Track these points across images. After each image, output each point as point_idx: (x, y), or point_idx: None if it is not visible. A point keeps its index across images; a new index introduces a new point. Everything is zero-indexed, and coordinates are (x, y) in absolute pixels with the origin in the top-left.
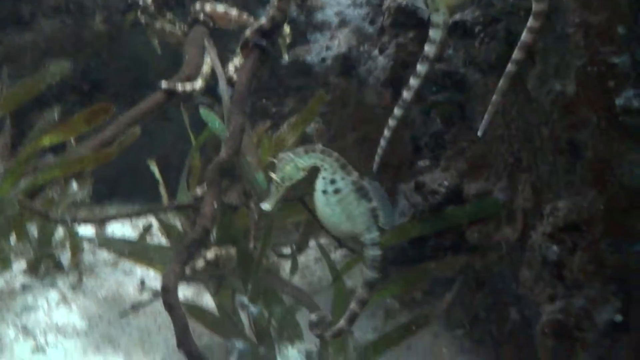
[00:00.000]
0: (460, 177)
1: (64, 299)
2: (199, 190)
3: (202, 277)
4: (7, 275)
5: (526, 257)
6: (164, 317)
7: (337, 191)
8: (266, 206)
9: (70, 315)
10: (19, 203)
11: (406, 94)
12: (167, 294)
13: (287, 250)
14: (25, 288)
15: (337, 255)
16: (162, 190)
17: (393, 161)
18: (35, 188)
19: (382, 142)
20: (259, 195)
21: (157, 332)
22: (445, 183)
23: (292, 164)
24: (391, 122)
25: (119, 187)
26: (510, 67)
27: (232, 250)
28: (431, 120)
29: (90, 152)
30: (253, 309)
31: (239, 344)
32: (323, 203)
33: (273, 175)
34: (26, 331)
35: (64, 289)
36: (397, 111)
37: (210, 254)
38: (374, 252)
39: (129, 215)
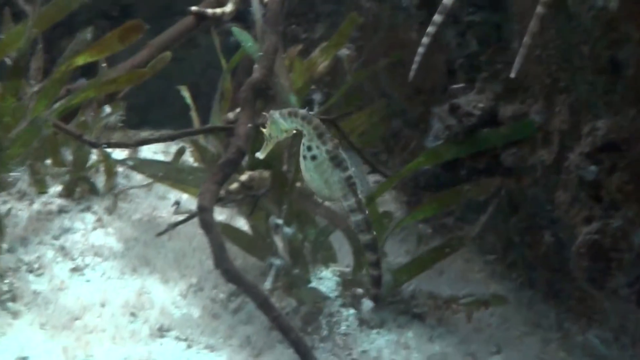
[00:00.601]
0: (495, 100)
1: (100, 222)
2: (230, 114)
3: (236, 199)
4: (44, 198)
5: (562, 180)
6: (198, 240)
7: (313, 157)
8: (259, 156)
9: (107, 238)
10: (54, 125)
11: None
12: (203, 213)
13: None
14: (61, 211)
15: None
16: (194, 115)
17: (426, 85)
18: (69, 111)
19: (421, 49)
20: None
21: (192, 254)
22: (481, 105)
23: (275, 125)
24: (430, 29)
25: (148, 115)
26: (539, 8)
27: (266, 173)
28: (466, 42)
29: (124, 73)
30: (287, 230)
31: (277, 261)
32: (304, 167)
33: (263, 130)
34: (64, 252)
35: (99, 212)
36: (437, 17)
37: (244, 176)
38: (355, 217)
39: (162, 139)
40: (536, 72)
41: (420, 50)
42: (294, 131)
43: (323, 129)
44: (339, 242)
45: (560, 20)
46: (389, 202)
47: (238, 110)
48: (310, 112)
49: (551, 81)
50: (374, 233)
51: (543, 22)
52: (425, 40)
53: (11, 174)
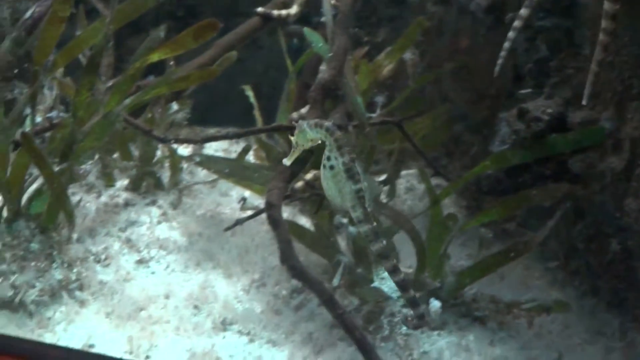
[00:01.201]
0: (564, 105)
1: (165, 216)
2: (295, 114)
3: (301, 198)
4: (112, 191)
5: (632, 187)
6: (261, 236)
7: (331, 167)
8: (286, 162)
9: (171, 232)
10: (124, 120)
11: None
12: (272, 209)
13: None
14: (128, 204)
15: (421, 187)
16: (257, 114)
17: (490, 90)
18: (139, 106)
19: (506, 44)
20: (360, 119)
21: (255, 250)
22: (549, 110)
23: (302, 134)
24: (517, 23)
25: (211, 114)
26: (602, 36)
27: None
28: (535, 47)
29: (196, 70)
30: (351, 229)
31: (345, 258)
32: (323, 175)
33: (291, 137)
34: (130, 244)
35: (164, 207)
36: (523, 11)
37: (309, 175)
38: (362, 228)
39: (229, 136)
40: (608, 79)
41: (503, 54)
42: (319, 141)
43: (343, 142)
44: (402, 242)
45: (636, 26)
46: (448, 206)
47: (303, 110)
48: (333, 125)
49: (623, 88)
50: (384, 242)
51: (611, 36)
52: (506, 45)
53: (82, 166)
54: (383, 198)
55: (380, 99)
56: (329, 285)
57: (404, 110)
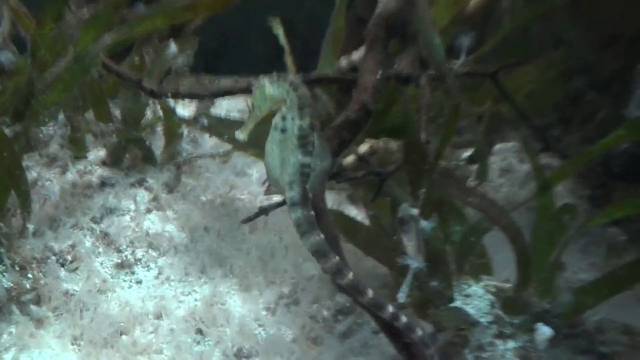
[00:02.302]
0: None
1: (156, 202)
2: (344, 61)
3: (352, 178)
4: (82, 165)
5: None
6: (293, 233)
7: (283, 130)
8: (239, 136)
9: (165, 224)
10: (102, 65)
11: None
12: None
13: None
14: (105, 184)
15: (523, 168)
16: (289, 60)
17: (625, 31)
18: (123, 46)
19: None
20: (438, 67)
21: (284, 252)
22: None
23: (260, 91)
24: None
25: (223, 58)
26: None
27: (394, 144)
28: None
29: None
30: (425, 224)
31: (415, 262)
32: (269, 139)
33: (247, 100)
34: (107, 241)
35: (155, 189)
36: None
37: (364, 147)
38: (294, 214)
39: (250, 89)
40: None
41: None
42: (281, 105)
43: (308, 102)
44: (496, 245)
45: None
46: (563, 195)
47: (356, 54)
48: (300, 80)
49: None
50: (321, 235)
51: None
52: None
53: (42, 128)
54: (470, 181)
55: (466, 41)
56: (391, 303)
57: (500, 57)
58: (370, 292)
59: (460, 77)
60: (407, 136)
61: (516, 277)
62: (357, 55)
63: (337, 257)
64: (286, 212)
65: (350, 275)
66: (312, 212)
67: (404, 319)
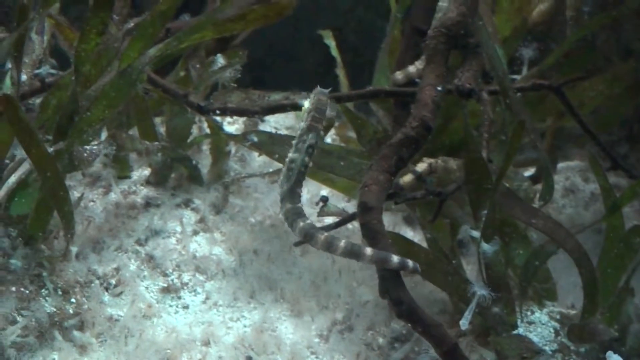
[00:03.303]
0: None
1: (204, 224)
2: (399, 74)
3: (410, 199)
4: (126, 185)
5: None
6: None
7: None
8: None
9: (213, 247)
10: (148, 80)
11: None
12: (368, 214)
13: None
14: (150, 204)
15: (588, 188)
16: (342, 73)
17: None
18: (168, 60)
19: None
20: (500, 80)
21: (337, 276)
22: None
23: (303, 109)
24: None
25: (272, 72)
26: None
27: (453, 162)
28: None
29: (255, 5)
30: (486, 247)
31: (481, 290)
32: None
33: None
34: (152, 264)
35: (202, 210)
36: None
37: (422, 165)
38: (282, 209)
39: (299, 107)
40: None
41: None
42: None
43: (318, 108)
44: (561, 269)
45: None
46: (632, 217)
47: (413, 66)
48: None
49: None
50: (308, 220)
51: None
52: None
53: (87, 147)
54: (534, 202)
55: (528, 52)
56: (451, 330)
57: (564, 70)
58: (368, 250)
59: (524, 90)
60: (467, 154)
61: (583, 303)
62: (414, 68)
63: (326, 233)
64: (340, 234)
65: (343, 243)
66: (300, 205)
67: (409, 263)
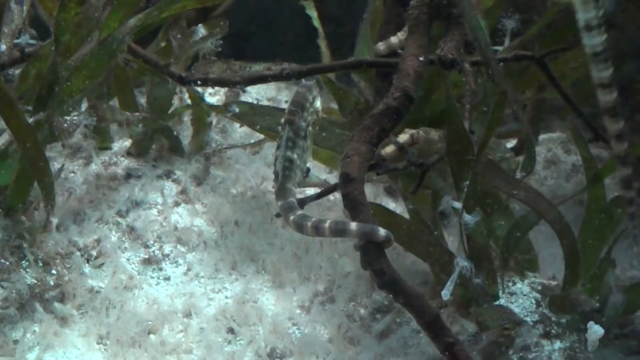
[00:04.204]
0: None
1: (185, 195)
2: (381, 45)
3: (392, 170)
4: (107, 156)
5: None
6: None
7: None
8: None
9: (194, 218)
10: (128, 50)
11: None
12: (349, 185)
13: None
14: (130, 176)
15: (570, 160)
16: (323, 43)
17: None
18: (149, 30)
19: None
20: (483, 51)
21: (319, 248)
22: None
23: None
24: None
25: (254, 43)
26: None
27: (435, 133)
28: None
29: None
30: (468, 218)
31: (463, 262)
32: None
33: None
34: (134, 235)
35: (183, 181)
36: None
37: (403, 136)
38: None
39: (282, 76)
40: None
41: None
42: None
43: (297, 103)
44: (543, 240)
45: None
46: (613, 188)
47: (396, 37)
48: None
49: None
50: (298, 212)
51: None
52: None
53: (67, 118)
54: (516, 174)
55: (511, 23)
56: (433, 301)
57: (546, 42)
58: (353, 225)
59: (506, 61)
60: (449, 125)
61: (564, 274)
62: (396, 38)
63: (314, 218)
64: (322, 206)
65: (327, 224)
66: (291, 199)
67: (381, 232)
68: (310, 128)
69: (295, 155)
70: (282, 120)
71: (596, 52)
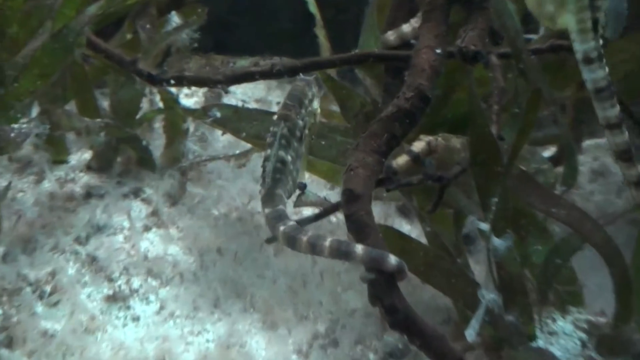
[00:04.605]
0: None
1: (156, 217)
2: (391, 35)
3: (406, 185)
4: (63, 170)
5: None
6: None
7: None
8: None
9: (168, 246)
10: (88, 44)
11: None
12: (353, 204)
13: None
14: (91, 195)
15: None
16: (321, 33)
17: None
18: (111, 20)
19: None
20: (513, 41)
21: (318, 280)
22: None
23: None
24: None
25: (238, 34)
26: None
27: (456, 140)
28: None
29: None
30: (497, 243)
31: (490, 295)
32: None
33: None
34: (96, 267)
35: (155, 200)
36: None
37: (419, 144)
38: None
39: (273, 73)
40: None
41: None
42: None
43: (294, 97)
44: (588, 268)
45: None
46: None
47: (408, 25)
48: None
49: None
50: (289, 223)
51: None
52: None
53: (14, 125)
54: (555, 188)
55: None
56: (456, 343)
57: None
58: (359, 248)
59: (541, 53)
60: (473, 130)
61: (614, 309)
62: (408, 26)
63: (310, 233)
64: (321, 229)
65: (328, 242)
66: (280, 207)
67: (393, 259)
68: (306, 131)
69: (289, 157)
70: (276, 116)
71: (599, 87)
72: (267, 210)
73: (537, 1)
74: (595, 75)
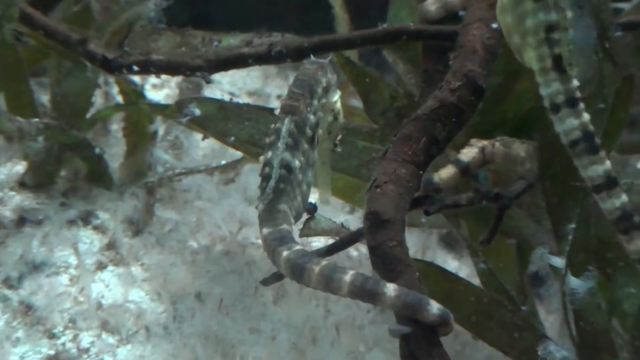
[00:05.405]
0: None
1: (114, 251)
2: (431, 5)
3: (453, 205)
4: None
5: None
6: (347, 303)
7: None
8: None
9: (129, 289)
10: (21, 18)
11: None
12: (379, 231)
13: None
14: (25, 220)
15: None
16: (338, 3)
17: None
18: None
19: None
20: (596, 12)
21: (333, 337)
22: None
23: None
24: None
25: (215, 4)
26: None
27: (520, 146)
28: None
29: None
30: (576, 284)
31: (560, 350)
32: None
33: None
34: (32, 318)
35: (111, 228)
36: None
37: (469, 152)
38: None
39: (273, 55)
40: None
41: None
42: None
43: (302, 84)
44: None
45: None
46: None
47: None
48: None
49: None
50: (294, 247)
51: None
52: None
53: None
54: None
55: None
56: None
57: None
58: (391, 288)
59: (634, 29)
60: (543, 133)
61: None
62: None
63: (324, 261)
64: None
65: (350, 276)
66: (284, 226)
67: (434, 307)
68: (320, 131)
69: (296, 163)
70: (278, 109)
71: (572, 140)
72: (265, 231)
73: (507, 30)
74: (565, 126)
